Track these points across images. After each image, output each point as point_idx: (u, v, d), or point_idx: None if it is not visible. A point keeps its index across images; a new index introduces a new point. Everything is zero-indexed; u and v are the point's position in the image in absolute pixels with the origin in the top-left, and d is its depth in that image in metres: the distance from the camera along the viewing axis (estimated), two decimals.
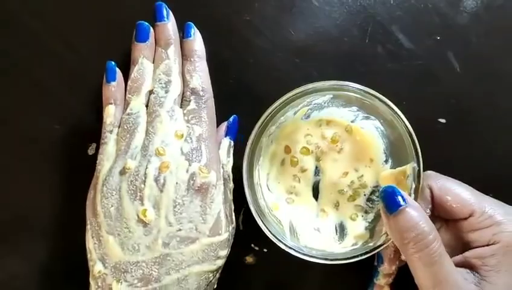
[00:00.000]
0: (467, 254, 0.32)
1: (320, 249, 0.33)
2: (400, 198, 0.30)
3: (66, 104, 0.38)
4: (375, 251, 0.32)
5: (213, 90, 0.37)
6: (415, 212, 0.29)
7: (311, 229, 0.36)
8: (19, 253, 0.38)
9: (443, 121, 0.39)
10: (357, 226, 0.36)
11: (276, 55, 0.39)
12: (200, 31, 0.38)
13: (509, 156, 0.39)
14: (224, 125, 0.37)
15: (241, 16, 0.39)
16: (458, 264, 0.31)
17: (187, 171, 0.32)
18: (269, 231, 0.32)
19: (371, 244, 0.33)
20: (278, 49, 0.39)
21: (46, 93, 0.38)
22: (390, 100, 0.38)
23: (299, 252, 0.32)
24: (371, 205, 0.36)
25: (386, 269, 0.34)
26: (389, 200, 0.30)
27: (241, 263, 0.38)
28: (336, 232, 0.36)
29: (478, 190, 0.36)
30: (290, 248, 0.32)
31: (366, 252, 0.32)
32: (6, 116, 0.38)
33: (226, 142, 0.36)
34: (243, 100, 0.38)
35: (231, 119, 0.37)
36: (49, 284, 0.38)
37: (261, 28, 0.39)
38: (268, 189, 0.36)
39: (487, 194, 0.38)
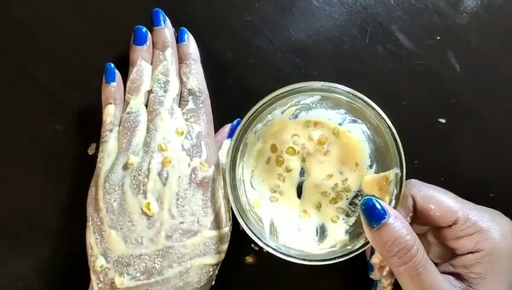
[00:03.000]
0: (453, 262, 0.32)
1: (298, 249, 0.33)
2: (381, 211, 0.29)
3: (66, 104, 0.38)
4: (353, 254, 0.32)
5: (213, 90, 0.37)
6: (398, 225, 0.29)
7: (291, 229, 0.36)
8: (21, 253, 0.38)
9: (443, 121, 0.39)
10: (338, 229, 0.35)
11: (276, 55, 0.39)
12: (200, 32, 0.38)
13: (510, 156, 0.39)
14: (227, 127, 0.37)
15: (241, 16, 0.39)
16: (446, 272, 0.31)
17: (189, 165, 0.33)
18: (248, 227, 0.32)
19: (349, 247, 0.32)
20: (278, 49, 0.39)
21: (46, 93, 0.38)
22: (390, 100, 0.38)
23: (276, 251, 0.32)
24: (353, 209, 0.36)
25: (377, 275, 0.35)
26: (370, 213, 0.30)
27: (241, 263, 0.38)
28: (317, 233, 0.36)
29: (479, 190, 0.36)
30: (267, 246, 0.32)
31: (344, 255, 0.32)
32: (7, 116, 0.38)
33: (227, 143, 0.36)
34: (243, 100, 0.38)
35: (235, 122, 0.38)
36: (51, 285, 0.38)
37: (261, 28, 0.39)
38: (252, 186, 0.36)
39: (488, 195, 0.38)
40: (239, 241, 0.36)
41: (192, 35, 0.38)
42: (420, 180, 0.33)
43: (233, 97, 0.38)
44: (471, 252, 0.31)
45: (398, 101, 0.39)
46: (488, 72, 0.39)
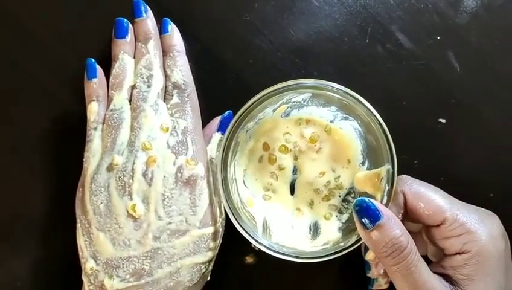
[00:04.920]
0: (442, 263, 0.32)
1: (291, 247, 0.33)
2: (375, 212, 0.29)
3: (66, 104, 0.38)
4: (346, 251, 0.32)
5: (212, 89, 0.37)
6: (391, 226, 0.29)
7: (285, 227, 0.36)
8: (19, 254, 0.38)
9: (443, 121, 0.39)
10: (331, 226, 0.35)
11: (276, 55, 0.39)
12: (199, 31, 0.38)
13: (510, 156, 0.39)
14: (217, 119, 0.37)
15: (241, 16, 0.39)
16: (437, 273, 0.31)
17: (174, 164, 0.33)
18: (240, 226, 0.32)
19: (342, 244, 0.32)
20: (278, 49, 0.39)
21: (46, 93, 0.38)
22: (390, 100, 0.38)
23: (269, 249, 0.32)
24: (346, 206, 0.36)
25: (375, 274, 0.35)
26: (363, 215, 0.29)
27: (241, 263, 0.38)
28: (310, 231, 0.36)
29: (479, 190, 0.36)
30: (260, 244, 0.32)
31: (336, 252, 0.32)
32: (6, 116, 0.38)
33: (217, 137, 0.36)
34: (243, 100, 0.38)
35: (226, 114, 0.37)
36: (49, 285, 0.38)
37: (261, 28, 0.39)
38: (245, 185, 0.36)
39: (488, 195, 0.38)
40: (239, 241, 0.35)
41: (192, 35, 0.38)
42: (420, 180, 0.33)
43: (233, 97, 0.38)
44: (459, 253, 0.31)
45: (398, 101, 0.39)
46: (488, 72, 0.39)
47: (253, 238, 0.32)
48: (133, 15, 0.36)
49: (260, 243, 0.32)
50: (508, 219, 0.33)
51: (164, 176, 0.32)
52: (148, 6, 0.36)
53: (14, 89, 0.38)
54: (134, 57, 0.36)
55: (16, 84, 0.38)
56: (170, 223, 0.32)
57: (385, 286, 0.35)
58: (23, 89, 0.38)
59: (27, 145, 0.38)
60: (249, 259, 0.38)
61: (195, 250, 0.33)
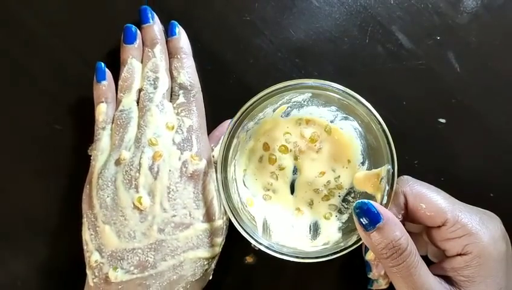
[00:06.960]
0: (443, 264, 0.32)
1: (291, 247, 0.33)
2: (375, 214, 0.29)
3: (66, 104, 0.38)
4: (345, 251, 0.32)
5: (213, 90, 0.37)
6: (391, 229, 0.29)
7: (285, 227, 0.36)
8: (20, 253, 0.38)
9: (443, 121, 0.39)
10: (331, 226, 0.35)
11: (276, 55, 0.39)
12: (200, 32, 0.38)
13: (510, 156, 0.39)
14: (227, 122, 0.38)
15: (241, 16, 0.39)
16: (438, 275, 0.31)
17: (179, 159, 0.34)
18: (240, 226, 0.32)
19: (342, 244, 0.32)
20: (278, 49, 0.39)
21: (46, 93, 0.38)
22: (390, 100, 0.38)
23: (269, 249, 0.32)
24: (346, 206, 0.36)
25: (375, 275, 0.35)
26: (364, 217, 0.29)
27: (241, 263, 0.38)
28: (310, 231, 0.36)
29: (479, 190, 0.36)
30: (260, 244, 0.32)
31: (336, 252, 0.32)
32: (6, 116, 0.38)
33: None
34: (243, 100, 0.38)
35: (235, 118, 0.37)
36: (50, 284, 0.38)
37: (261, 28, 0.39)
38: (245, 185, 0.36)
39: (488, 195, 0.38)
40: (239, 241, 0.35)
41: (192, 36, 0.38)
42: (420, 180, 0.33)
43: (233, 97, 0.38)
44: (460, 255, 0.31)
45: (398, 101, 0.39)
46: (488, 72, 0.39)
47: (253, 238, 0.32)
48: (141, 21, 0.37)
49: (260, 243, 0.32)
50: (508, 219, 0.33)
51: (170, 170, 0.33)
52: (154, 13, 0.37)
53: (14, 88, 0.38)
54: (141, 61, 0.37)
55: (16, 83, 0.38)
56: (175, 215, 0.33)
57: (385, 287, 0.35)
58: (23, 89, 0.38)
59: (27, 145, 0.38)
60: (249, 259, 0.38)
61: (198, 244, 0.33)
